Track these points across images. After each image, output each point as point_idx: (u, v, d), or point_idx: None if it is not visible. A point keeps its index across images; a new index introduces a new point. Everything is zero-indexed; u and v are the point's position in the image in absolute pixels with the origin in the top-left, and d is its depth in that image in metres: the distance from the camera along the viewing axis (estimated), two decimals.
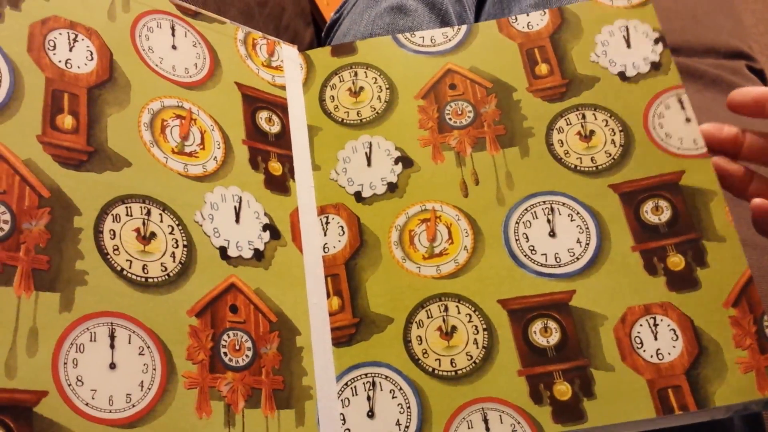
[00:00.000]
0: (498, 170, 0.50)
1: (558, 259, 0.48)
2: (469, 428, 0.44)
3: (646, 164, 0.49)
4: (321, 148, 0.53)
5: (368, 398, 0.46)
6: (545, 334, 0.46)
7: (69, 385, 0.37)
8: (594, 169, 0.49)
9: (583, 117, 0.51)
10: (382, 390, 0.46)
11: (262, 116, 0.52)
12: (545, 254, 0.48)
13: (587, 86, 0.52)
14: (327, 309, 0.49)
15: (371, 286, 0.49)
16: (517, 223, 0.49)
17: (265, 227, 0.48)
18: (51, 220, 0.40)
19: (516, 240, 0.48)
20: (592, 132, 0.50)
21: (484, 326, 0.47)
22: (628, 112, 0.51)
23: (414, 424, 0.45)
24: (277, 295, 0.47)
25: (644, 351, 0.45)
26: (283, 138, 0.52)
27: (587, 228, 0.48)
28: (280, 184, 0.50)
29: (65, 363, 0.38)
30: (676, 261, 0.46)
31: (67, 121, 0.43)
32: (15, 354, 0.36)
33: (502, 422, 0.44)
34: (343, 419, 0.46)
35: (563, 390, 0.44)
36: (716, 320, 0.44)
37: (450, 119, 0.53)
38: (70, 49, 0.45)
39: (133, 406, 0.39)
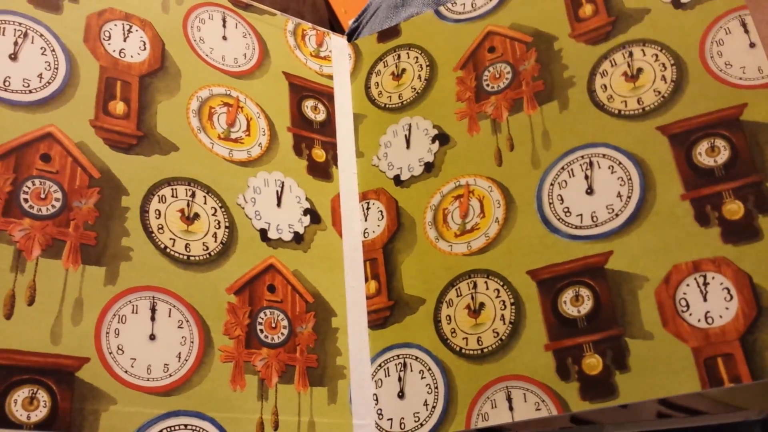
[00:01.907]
0: (534, 130, 0.48)
1: (595, 219, 0.44)
2: (492, 407, 0.43)
3: (702, 100, 0.43)
4: (365, 136, 0.54)
5: (399, 379, 0.47)
6: (576, 303, 0.43)
7: (110, 353, 0.40)
8: (640, 111, 0.44)
9: (630, 55, 0.46)
10: (412, 371, 0.46)
11: (308, 105, 0.54)
12: (581, 215, 0.44)
13: (636, 20, 0.46)
14: (365, 292, 0.50)
15: (406, 268, 0.49)
16: (552, 185, 0.46)
17: (306, 211, 0.50)
18: (100, 199, 0.42)
19: (550, 203, 0.45)
20: (639, 70, 0.45)
21: (512, 300, 0.45)
22: (681, 42, 0.45)
23: (441, 404, 0.45)
24: (315, 277, 0.48)
25: (690, 315, 0.39)
26: (327, 126, 0.54)
27: (629, 179, 0.43)
28: (322, 171, 0.52)
29: (107, 332, 0.40)
30: (734, 208, 0.40)
31: (119, 107, 0.45)
32: (60, 322, 0.39)
33: (526, 400, 0.42)
34: (376, 400, 0.47)
35: (593, 363, 0.41)
36: None
37: (488, 85, 0.51)
38: (125, 40, 0.47)
39: (170, 375, 0.41)
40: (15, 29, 0.43)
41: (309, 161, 0.52)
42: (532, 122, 0.48)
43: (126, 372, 0.40)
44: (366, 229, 0.52)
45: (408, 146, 0.52)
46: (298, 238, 0.49)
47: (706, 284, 0.39)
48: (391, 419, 0.46)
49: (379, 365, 0.48)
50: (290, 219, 0.49)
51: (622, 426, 0.43)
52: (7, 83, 0.42)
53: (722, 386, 0.37)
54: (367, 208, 0.52)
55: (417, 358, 0.47)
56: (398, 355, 0.47)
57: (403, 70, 0.55)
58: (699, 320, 0.39)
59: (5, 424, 0.36)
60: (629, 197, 0.43)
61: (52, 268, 0.40)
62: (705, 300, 0.39)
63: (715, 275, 0.39)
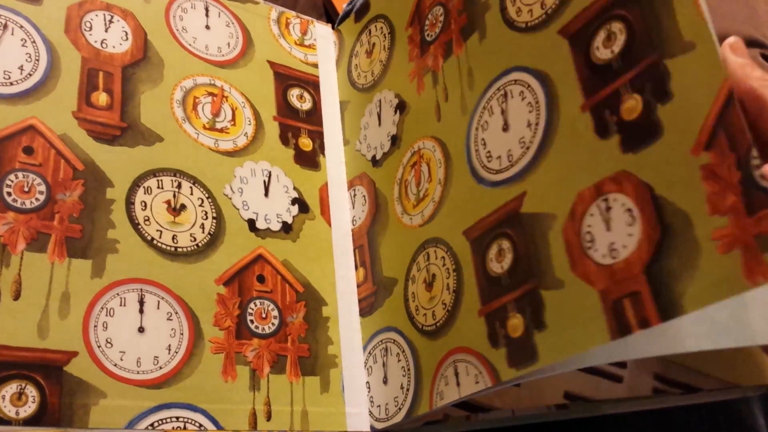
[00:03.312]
0: (462, 71, 0.43)
1: (510, 158, 0.38)
2: (446, 385, 0.40)
3: None
4: (350, 122, 0.54)
5: (383, 364, 0.46)
6: (500, 258, 0.38)
7: (99, 346, 0.39)
8: (544, 17, 0.38)
9: None
10: (392, 355, 0.45)
11: (294, 93, 0.53)
12: (499, 157, 0.39)
13: None
14: (355, 281, 0.49)
15: (383, 250, 0.48)
16: (476, 129, 0.41)
17: (294, 201, 0.50)
18: (84, 191, 0.42)
19: (476, 151, 0.41)
20: None
21: (454, 267, 0.41)
22: None
23: (412, 386, 0.43)
24: (304, 266, 0.48)
25: (596, 251, 0.33)
26: (314, 114, 0.53)
27: (537, 102, 0.37)
28: (310, 160, 0.52)
29: (95, 326, 0.39)
30: (632, 105, 0.33)
31: (101, 98, 0.45)
32: (47, 316, 0.38)
33: (468, 373, 0.38)
34: (369, 387, 0.46)
35: (516, 324, 0.36)
36: (683, 177, 0.30)
37: (428, 35, 0.47)
38: (106, 30, 0.47)
39: (161, 368, 0.41)
40: None
41: (296, 150, 0.51)
42: (459, 63, 0.44)
43: (115, 365, 0.39)
44: (354, 216, 0.51)
45: (380, 123, 0.51)
46: (286, 227, 0.48)
47: (608, 209, 0.33)
48: (380, 406, 0.45)
49: (369, 352, 0.47)
50: (278, 209, 0.49)
51: (618, 403, 0.43)
52: None
53: (631, 334, 0.31)
54: (354, 195, 0.52)
55: (394, 341, 0.46)
56: (382, 340, 0.47)
57: (373, 45, 0.53)
58: (604, 255, 0.32)
59: None
60: (537, 124, 0.37)
61: (38, 262, 0.39)
62: (608, 229, 0.33)
63: (617, 196, 0.33)
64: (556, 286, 0.34)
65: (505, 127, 0.39)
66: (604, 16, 0.35)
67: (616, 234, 0.32)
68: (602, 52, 0.35)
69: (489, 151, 0.40)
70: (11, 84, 0.42)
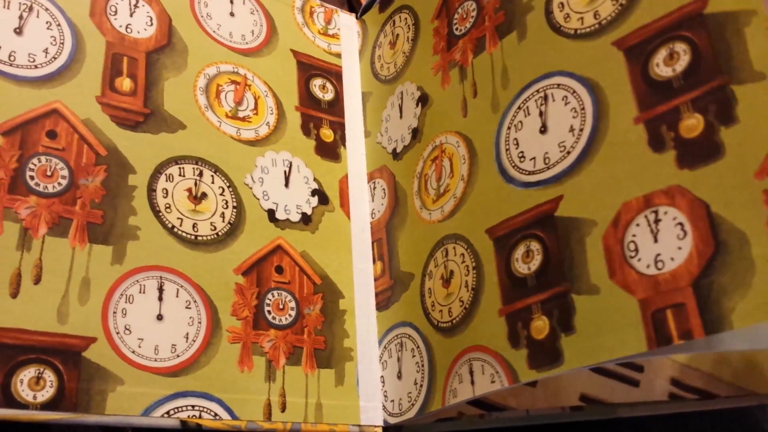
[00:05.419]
0: (495, 69, 0.43)
1: (547, 160, 0.38)
2: (459, 383, 0.40)
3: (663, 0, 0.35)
4: (372, 113, 0.53)
5: (398, 359, 0.46)
6: (527, 259, 0.38)
7: (117, 333, 0.39)
8: (597, 27, 0.38)
9: None
10: (406, 350, 0.45)
11: (316, 83, 0.53)
12: (534, 158, 0.39)
13: None
14: (372, 274, 0.49)
15: (401, 244, 0.48)
16: (508, 128, 0.41)
17: (314, 192, 0.49)
18: (107, 177, 0.42)
19: (506, 150, 0.41)
20: None
21: (474, 264, 0.41)
22: None
23: (426, 383, 0.43)
24: (323, 258, 0.48)
25: (639, 260, 0.33)
26: (336, 105, 0.53)
27: (582, 109, 0.37)
28: (330, 151, 0.51)
29: (114, 312, 0.40)
30: (693, 124, 0.33)
31: (125, 83, 0.45)
32: (67, 301, 0.38)
33: (483, 373, 0.38)
34: (383, 382, 0.46)
35: (540, 326, 0.36)
36: (743, 199, 0.30)
37: (457, 29, 0.47)
38: (131, 15, 0.46)
39: (178, 356, 0.41)
40: (20, 3, 0.43)
41: (317, 141, 0.51)
42: (493, 60, 0.44)
43: (133, 352, 0.39)
44: (373, 209, 0.51)
45: (401, 116, 0.51)
46: (305, 219, 0.48)
47: (657, 221, 0.33)
48: (393, 400, 0.45)
49: (384, 347, 0.47)
50: (298, 200, 0.49)
51: (634, 407, 0.43)
52: (12, 58, 0.41)
53: (671, 344, 0.31)
54: (374, 188, 0.51)
55: (409, 336, 0.46)
56: (397, 335, 0.47)
57: (397, 36, 0.53)
58: (648, 266, 0.32)
59: (12, 404, 0.35)
60: (581, 130, 0.37)
61: (59, 247, 0.39)
62: (656, 241, 0.33)
63: (668, 209, 0.32)
64: (590, 291, 0.34)
65: (543, 130, 0.39)
66: (667, 35, 0.35)
67: (664, 246, 0.32)
68: (662, 69, 0.35)
69: (522, 152, 0.40)
70: (36, 67, 0.42)
